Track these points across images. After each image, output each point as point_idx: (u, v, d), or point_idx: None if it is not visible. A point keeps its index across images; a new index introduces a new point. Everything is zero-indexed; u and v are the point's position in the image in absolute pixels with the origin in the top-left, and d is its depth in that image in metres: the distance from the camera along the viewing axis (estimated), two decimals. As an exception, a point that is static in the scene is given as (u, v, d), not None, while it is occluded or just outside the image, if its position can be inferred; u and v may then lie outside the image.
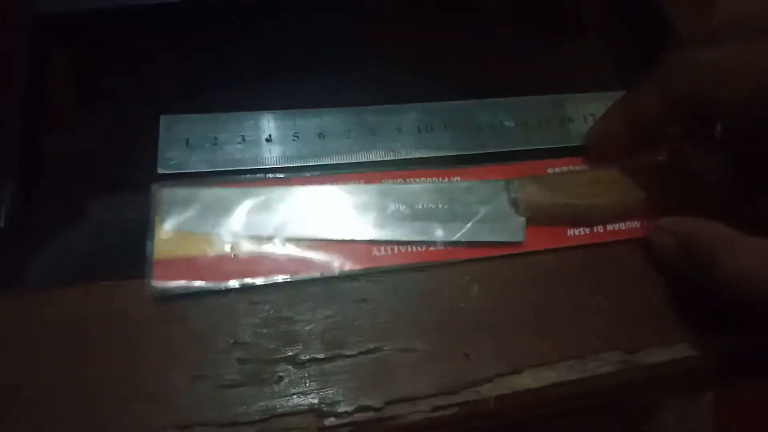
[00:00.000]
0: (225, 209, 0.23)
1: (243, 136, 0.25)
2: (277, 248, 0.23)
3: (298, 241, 0.23)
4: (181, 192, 0.24)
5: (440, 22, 0.30)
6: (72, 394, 0.20)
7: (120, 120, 0.25)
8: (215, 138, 0.25)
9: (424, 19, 0.30)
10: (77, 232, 0.23)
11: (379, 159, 0.26)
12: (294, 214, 0.24)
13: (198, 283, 0.22)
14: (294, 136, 0.26)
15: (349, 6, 0.29)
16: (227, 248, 0.23)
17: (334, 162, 0.25)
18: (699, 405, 0.48)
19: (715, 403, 0.51)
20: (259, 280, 0.22)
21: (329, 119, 0.26)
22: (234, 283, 0.22)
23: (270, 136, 0.25)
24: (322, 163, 0.25)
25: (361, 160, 0.26)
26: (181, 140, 0.25)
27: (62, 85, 0.26)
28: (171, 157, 0.24)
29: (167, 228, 0.23)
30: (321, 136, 0.26)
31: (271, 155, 0.25)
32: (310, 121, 0.26)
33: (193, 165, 0.24)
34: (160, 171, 0.24)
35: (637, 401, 0.24)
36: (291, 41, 0.28)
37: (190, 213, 0.23)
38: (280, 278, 0.23)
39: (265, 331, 0.22)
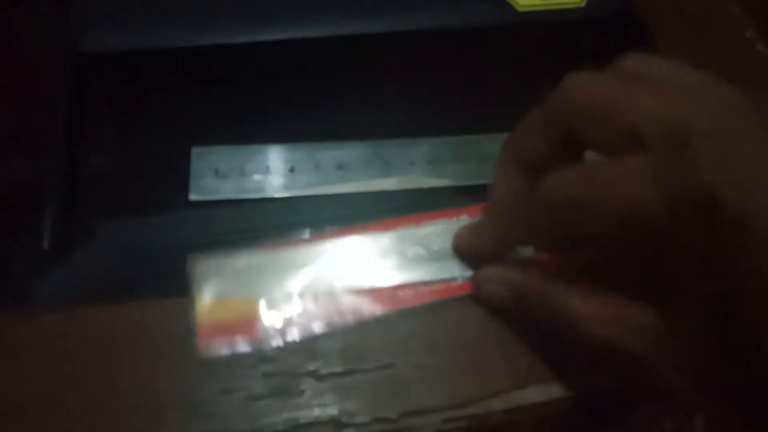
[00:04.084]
0: (257, 273, 0.25)
1: (268, 167, 0.27)
2: (309, 303, 0.24)
3: (328, 294, 0.25)
4: (215, 262, 0.25)
5: (450, 64, 0.32)
6: (110, 403, 0.22)
7: (154, 148, 0.28)
8: (242, 168, 0.27)
9: (434, 63, 0.32)
10: (114, 252, 0.25)
11: (393, 189, 0.28)
12: (321, 270, 0.25)
13: (242, 345, 0.23)
14: (315, 167, 0.28)
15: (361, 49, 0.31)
16: (263, 308, 0.24)
17: (352, 191, 0.27)
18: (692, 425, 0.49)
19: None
20: (296, 335, 0.24)
21: (348, 152, 0.28)
22: (277, 342, 0.23)
23: (293, 167, 0.28)
24: (340, 192, 0.27)
25: (376, 189, 0.28)
26: (210, 170, 0.27)
27: (101, 116, 0.28)
28: (202, 186, 0.26)
29: (206, 297, 0.24)
30: (340, 167, 0.28)
31: (295, 184, 0.27)
32: (330, 153, 0.28)
33: (222, 193, 0.26)
34: (192, 198, 0.26)
35: (639, 416, 0.25)
36: (313, 81, 0.30)
37: (225, 280, 0.24)
38: (316, 329, 0.24)
39: (289, 347, 0.24)
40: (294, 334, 0.24)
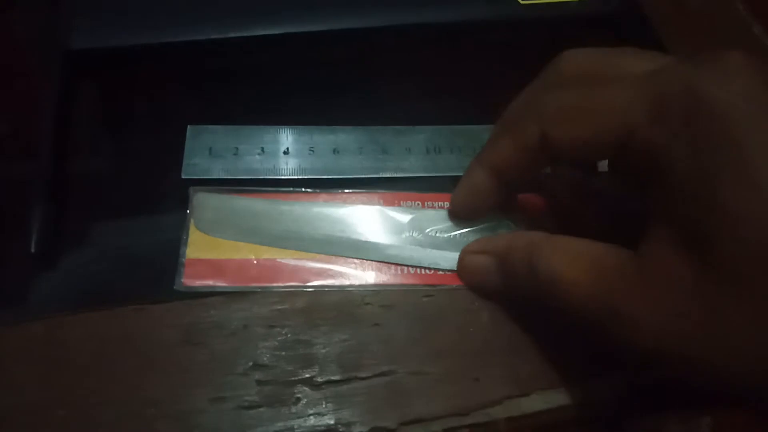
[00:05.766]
0: (253, 219, 0.25)
1: (262, 148, 0.27)
2: (295, 259, 0.25)
3: (314, 254, 0.25)
4: (215, 199, 0.25)
5: (449, 54, 0.31)
6: (100, 413, 0.21)
7: (146, 148, 0.27)
8: (236, 148, 0.27)
9: (433, 52, 0.32)
10: (104, 256, 0.24)
11: (389, 176, 0.27)
12: (315, 229, 0.25)
13: (222, 285, 0.24)
14: (310, 150, 0.27)
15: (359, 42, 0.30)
16: (251, 255, 0.24)
17: (347, 177, 0.27)
18: (697, 429, 0.48)
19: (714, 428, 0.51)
20: (277, 287, 0.24)
21: (344, 136, 0.28)
22: (255, 287, 0.24)
23: (288, 149, 0.27)
24: (335, 177, 0.27)
25: (372, 176, 0.27)
26: (204, 149, 0.27)
27: (92, 115, 0.28)
28: (195, 164, 0.26)
29: (200, 232, 0.25)
30: (335, 151, 0.27)
31: (288, 167, 0.27)
32: (326, 137, 0.28)
33: (214, 172, 0.26)
34: (184, 176, 0.26)
35: (637, 424, 0.24)
36: (310, 65, 0.30)
37: (221, 219, 0.25)
38: (295, 286, 0.24)
39: (283, 353, 0.23)
40: (273, 284, 0.24)
